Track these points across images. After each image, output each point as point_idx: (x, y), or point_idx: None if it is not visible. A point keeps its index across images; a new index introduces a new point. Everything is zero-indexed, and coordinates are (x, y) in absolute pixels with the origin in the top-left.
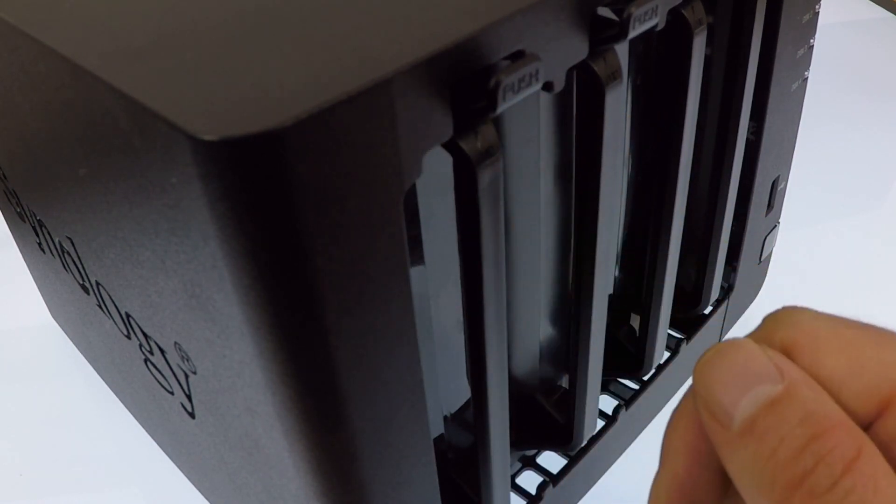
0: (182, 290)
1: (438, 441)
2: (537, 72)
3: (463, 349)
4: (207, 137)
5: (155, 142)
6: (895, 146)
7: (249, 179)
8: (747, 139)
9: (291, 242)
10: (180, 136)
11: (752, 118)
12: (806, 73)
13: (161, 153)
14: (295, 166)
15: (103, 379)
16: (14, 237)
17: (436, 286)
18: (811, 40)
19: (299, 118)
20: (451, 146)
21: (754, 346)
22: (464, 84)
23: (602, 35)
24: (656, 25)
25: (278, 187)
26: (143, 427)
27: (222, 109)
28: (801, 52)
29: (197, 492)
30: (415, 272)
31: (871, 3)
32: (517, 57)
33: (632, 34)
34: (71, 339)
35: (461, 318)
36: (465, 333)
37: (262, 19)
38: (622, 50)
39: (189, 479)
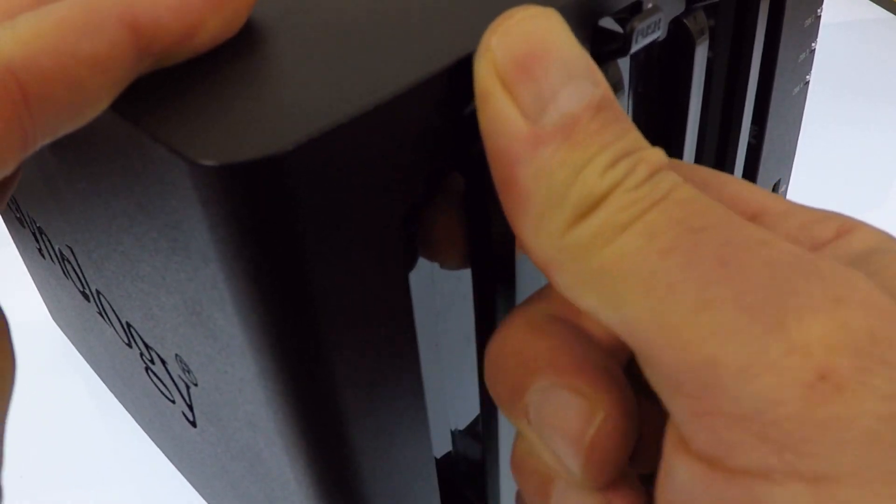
0: (183, 306)
1: (447, 456)
2: None
3: (472, 364)
4: (208, 163)
5: (155, 166)
6: None
7: (250, 204)
8: (749, 143)
9: (292, 266)
10: (180, 161)
11: (753, 122)
12: (807, 76)
13: (161, 177)
14: (296, 191)
15: (105, 383)
16: (14, 240)
17: (446, 302)
18: (813, 44)
19: (299, 143)
20: (459, 166)
21: (569, 34)
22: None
23: (604, 48)
24: (658, 37)
25: (279, 212)
26: (146, 432)
27: (222, 134)
28: (802, 56)
29: (196, 493)
30: (422, 289)
31: (871, 3)
32: None
33: (634, 48)
34: (72, 343)
35: (469, 334)
36: (476, 349)
37: (260, 43)
38: (624, 60)
39: (192, 484)
